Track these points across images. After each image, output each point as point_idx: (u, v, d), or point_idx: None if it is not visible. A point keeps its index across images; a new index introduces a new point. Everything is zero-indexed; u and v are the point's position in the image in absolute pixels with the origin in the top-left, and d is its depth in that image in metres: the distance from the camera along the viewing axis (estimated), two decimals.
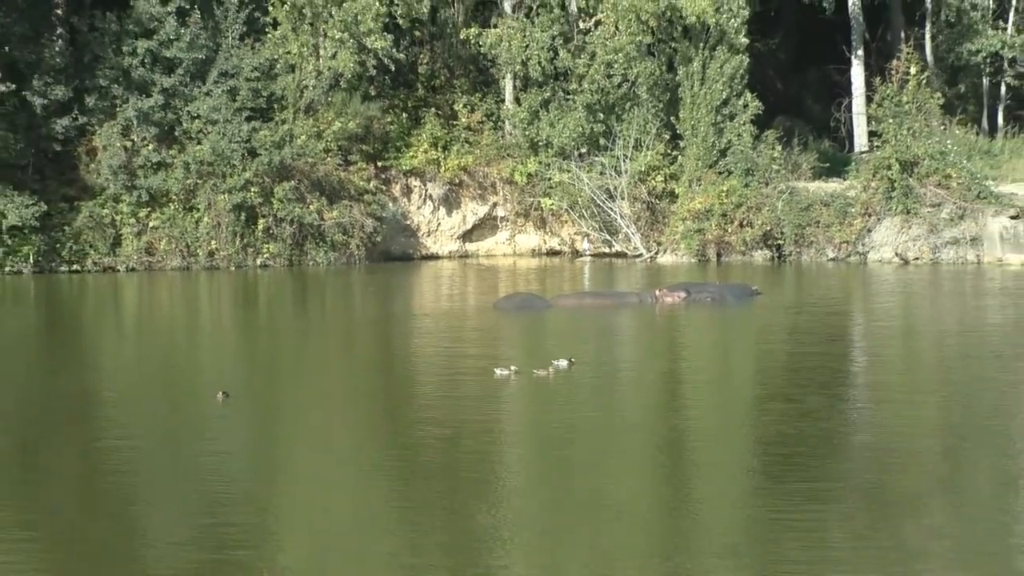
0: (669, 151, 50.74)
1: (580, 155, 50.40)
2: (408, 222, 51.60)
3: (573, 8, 51.62)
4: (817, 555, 12.10)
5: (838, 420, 18.52)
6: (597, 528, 13.14)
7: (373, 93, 50.91)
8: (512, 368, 21.67)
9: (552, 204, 50.95)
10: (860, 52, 58.35)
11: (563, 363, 22.15)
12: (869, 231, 47.08)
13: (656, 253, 49.23)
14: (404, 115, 52.11)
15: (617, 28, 49.34)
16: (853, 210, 47.26)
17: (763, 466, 15.78)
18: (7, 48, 46.02)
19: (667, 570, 11.82)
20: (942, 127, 49.61)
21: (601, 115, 50.31)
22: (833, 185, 49.45)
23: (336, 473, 15.87)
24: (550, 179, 50.52)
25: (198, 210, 46.43)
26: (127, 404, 20.92)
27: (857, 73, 58.09)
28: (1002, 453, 16.28)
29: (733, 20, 49.94)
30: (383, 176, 50.61)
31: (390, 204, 50.50)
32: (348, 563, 12.30)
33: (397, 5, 49.53)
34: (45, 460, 16.61)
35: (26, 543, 12.82)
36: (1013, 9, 58.10)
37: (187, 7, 47.78)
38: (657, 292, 34.22)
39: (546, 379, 21.32)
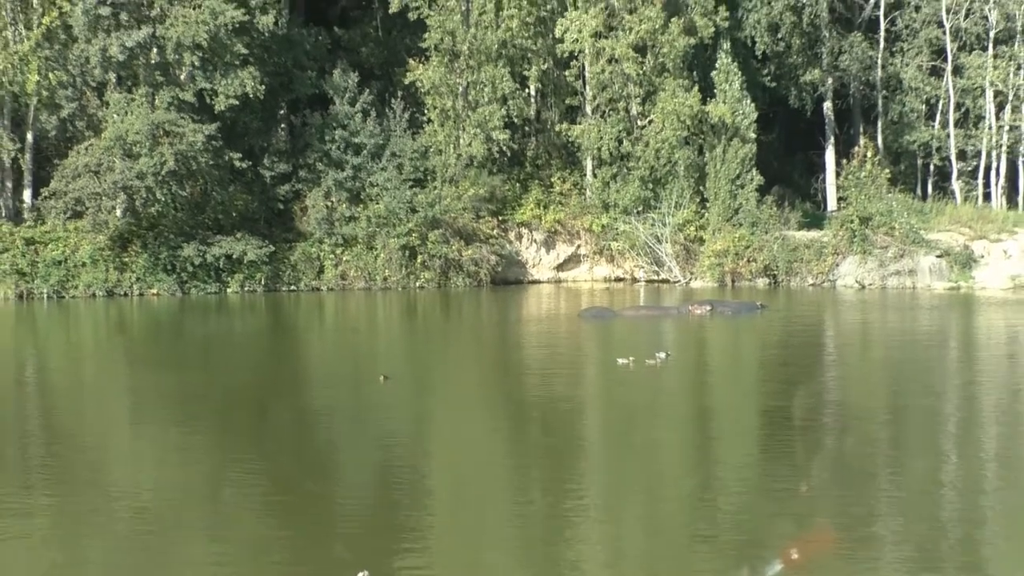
0: (699, 210, 49.98)
1: (638, 212, 49.68)
2: (519, 257, 51.26)
3: (633, 111, 51.05)
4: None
5: (815, 396, 18.03)
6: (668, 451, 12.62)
7: (495, 169, 50.66)
8: (631, 358, 21.14)
9: (618, 246, 50.37)
10: (831, 141, 57.63)
11: (663, 355, 21.66)
12: (837, 265, 46.36)
13: (690, 280, 48.48)
14: (517, 184, 51.79)
15: (664, 125, 48.86)
16: (826, 251, 46.66)
17: (768, 421, 15.52)
18: (246, 137, 46.48)
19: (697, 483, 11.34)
20: (889, 193, 48.86)
21: (651, 185, 49.69)
22: (812, 234, 48.50)
23: (472, 430, 15.43)
24: (617, 228, 50.03)
25: (376, 249, 46.42)
26: (321, 382, 20.81)
27: (829, 156, 57.33)
28: (931, 422, 15.77)
29: (744, 120, 49.38)
30: (502, 226, 50.36)
31: (507, 245, 50.26)
32: (482, 487, 11.84)
33: (513, 109, 49.48)
34: (267, 424, 16.38)
35: (254, 485, 12.50)
36: (939, 112, 56.89)
37: (368, 108, 47.99)
38: (690, 306, 33.85)
39: (655, 366, 20.82)
